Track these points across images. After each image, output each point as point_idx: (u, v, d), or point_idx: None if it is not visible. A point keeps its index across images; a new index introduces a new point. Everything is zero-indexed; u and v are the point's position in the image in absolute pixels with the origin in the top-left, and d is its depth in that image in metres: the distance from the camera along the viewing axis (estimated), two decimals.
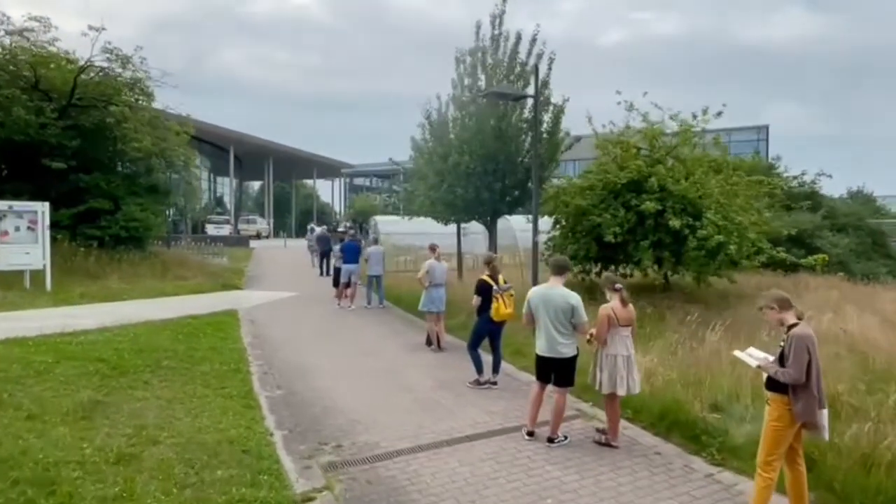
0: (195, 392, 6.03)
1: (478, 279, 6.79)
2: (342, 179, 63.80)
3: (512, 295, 6.80)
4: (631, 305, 5.07)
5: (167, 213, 31.59)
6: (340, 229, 34.77)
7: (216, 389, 6.18)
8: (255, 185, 77.45)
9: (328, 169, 57.67)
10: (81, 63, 15.00)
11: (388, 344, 9.14)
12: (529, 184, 10.92)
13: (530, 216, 16.03)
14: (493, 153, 10.19)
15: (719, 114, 11.44)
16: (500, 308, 6.59)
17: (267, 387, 6.58)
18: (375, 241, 12.82)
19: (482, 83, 10.99)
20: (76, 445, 4.45)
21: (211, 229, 38.49)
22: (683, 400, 5.68)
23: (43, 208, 12.41)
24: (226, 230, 39.53)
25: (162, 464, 4.25)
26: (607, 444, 5.10)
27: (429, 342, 8.82)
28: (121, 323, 9.09)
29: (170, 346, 7.92)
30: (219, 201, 55.03)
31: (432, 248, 8.74)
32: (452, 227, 25.45)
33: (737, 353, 4.20)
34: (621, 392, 4.97)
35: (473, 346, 6.86)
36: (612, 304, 5.01)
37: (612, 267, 13.18)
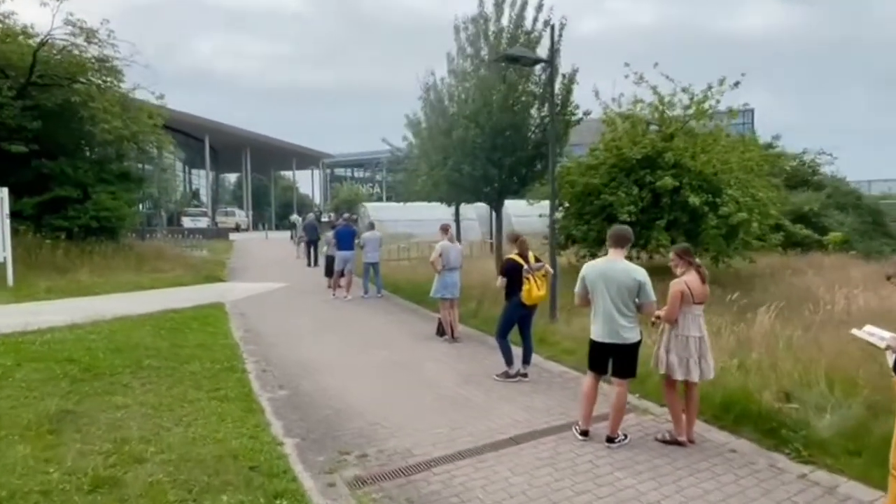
0: (185, 396, 5.15)
1: (505, 259, 6.01)
2: (322, 170, 62.21)
3: (545, 275, 6.04)
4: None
5: (141, 204, 30.14)
6: (325, 220, 33.68)
7: (209, 392, 5.30)
8: (232, 177, 75.25)
9: (307, 159, 56.02)
10: (41, 37, 13.66)
11: (396, 335, 8.32)
12: (537, 163, 10.17)
13: (528, 200, 15.37)
14: (500, 126, 9.39)
15: (737, 84, 10.81)
16: (532, 290, 5.83)
17: (268, 387, 5.73)
18: (372, 226, 11.94)
19: (485, 53, 10.16)
20: (40, 469, 3.56)
21: (187, 222, 36.86)
22: (749, 388, 5.01)
23: (1, 194, 11.21)
24: (203, 223, 37.97)
25: (150, 489, 3.39)
26: (673, 442, 4.39)
27: (440, 332, 8.03)
28: (93, 319, 8.09)
29: (151, 343, 6.98)
30: (195, 194, 53.07)
31: (445, 229, 7.91)
32: (446, 213, 24.73)
33: (854, 331, 3.50)
34: (694, 377, 4.27)
35: (502, 335, 6.09)
36: (687, 279, 4.28)
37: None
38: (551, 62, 8.20)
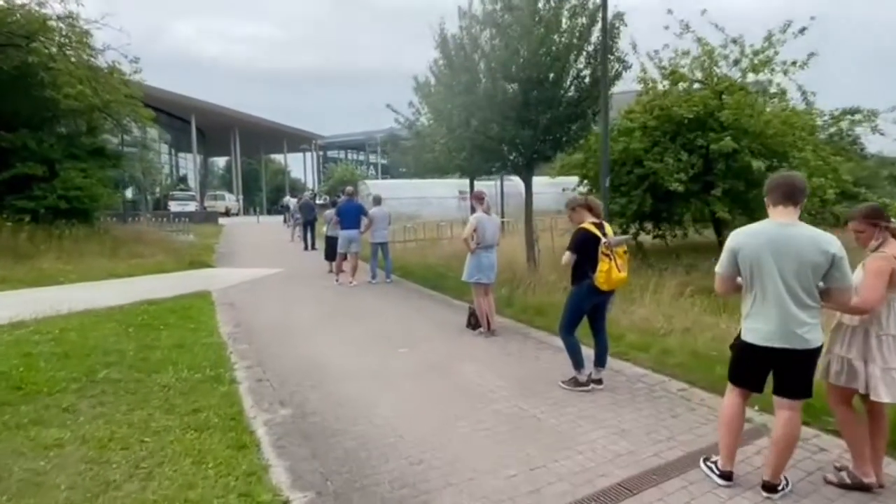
0: (149, 423, 3.71)
1: (577, 229, 4.56)
2: (315, 152, 60.11)
3: (626, 251, 4.59)
4: None
5: (126, 188, 28.31)
6: (319, 201, 31.91)
7: (185, 416, 3.86)
8: (221, 162, 73.02)
9: (299, 141, 53.96)
10: None
11: (419, 327, 6.88)
12: (573, 124, 8.67)
13: (547, 177, 13.84)
14: (535, 76, 7.87)
15: (803, 30, 9.31)
16: (612, 271, 4.39)
17: (265, 404, 4.29)
18: (378, 201, 10.41)
19: None
20: None
21: (174, 206, 34.96)
22: None
23: None
24: (191, 207, 36.10)
25: None
26: (858, 486, 3.02)
27: (472, 323, 6.61)
28: (46, 314, 6.59)
29: (114, 344, 5.50)
30: (182, 179, 50.98)
31: (479, 198, 6.42)
32: (451, 190, 23.16)
33: None
34: (886, 396, 2.87)
35: (568, 329, 4.67)
36: (893, 252, 2.86)
37: (653, 228, 11.15)
38: None
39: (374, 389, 4.62)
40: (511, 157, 9.10)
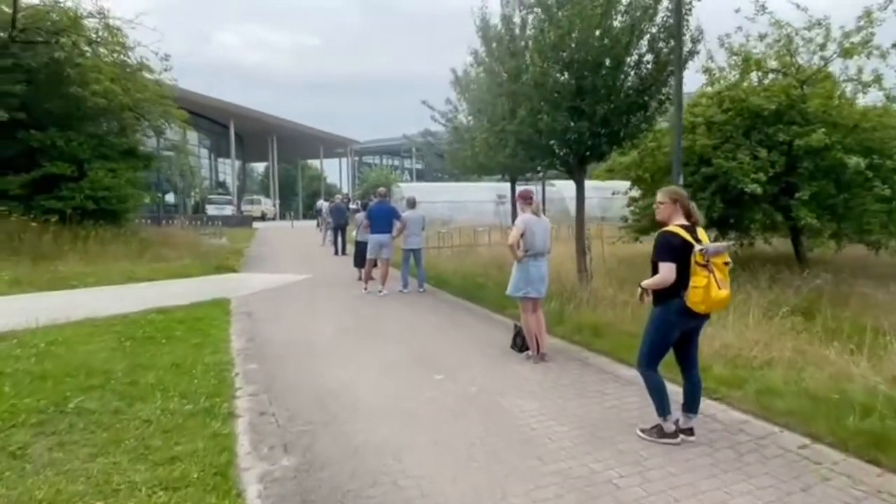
0: (111, 478, 2.87)
1: (661, 233, 3.52)
2: (350, 158, 60.24)
3: (728, 262, 3.52)
4: None
5: (158, 188, 28.48)
6: (353, 206, 31.45)
7: (159, 466, 3.02)
8: (260, 168, 74.18)
9: (335, 146, 54.09)
10: None
11: (456, 346, 5.92)
12: (633, 116, 7.58)
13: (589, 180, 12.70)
14: (591, 62, 6.84)
15: None
16: (712, 288, 3.32)
17: (264, 448, 3.42)
18: (413, 204, 9.53)
19: None
20: None
21: (212, 209, 35.27)
22: None
23: None
24: (228, 210, 36.35)
25: None
26: None
27: (519, 344, 5.61)
28: (43, 323, 5.94)
29: (102, 362, 4.75)
30: (221, 184, 51.78)
31: (526, 197, 5.42)
32: (488, 194, 22.15)
33: None
34: None
35: (651, 363, 3.62)
36: None
37: (719, 236, 9.88)
38: None
39: (403, 431, 3.68)
40: (560, 154, 8.06)
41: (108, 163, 13.27)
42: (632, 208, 11.10)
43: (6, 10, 11.78)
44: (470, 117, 10.55)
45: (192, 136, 45.40)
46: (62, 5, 12.28)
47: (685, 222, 3.51)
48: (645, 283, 3.58)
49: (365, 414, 3.99)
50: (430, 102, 10.80)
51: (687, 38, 6.99)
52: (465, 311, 7.98)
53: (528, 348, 5.46)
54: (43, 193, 12.47)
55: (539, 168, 8.84)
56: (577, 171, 8.06)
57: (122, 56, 12.99)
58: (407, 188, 18.25)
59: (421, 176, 54.48)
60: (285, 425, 3.80)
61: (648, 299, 3.61)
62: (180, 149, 23.93)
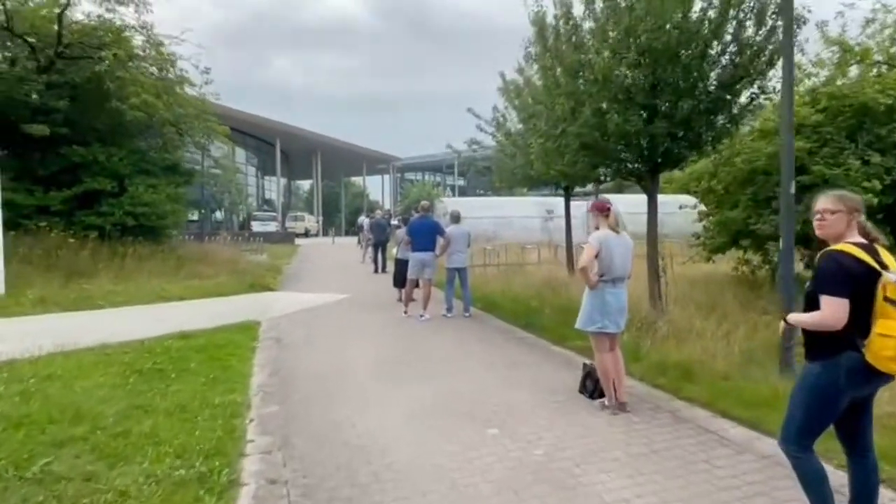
0: None
1: (824, 253, 2.47)
2: (392, 174, 60.36)
3: None
4: None
5: (204, 205, 28.86)
6: (394, 222, 30.93)
7: None
8: (305, 185, 75.55)
9: (377, 162, 54.33)
10: None
11: (510, 388, 4.92)
12: (720, 116, 6.48)
13: (643, 195, 11.54)
14: (669, 51, 5.82)
15: None
16: None
17: None
18: (457, 219, 8.67)
19: None
20: None
21: (256, 226, 35.67)
22: None
23: None
24: (272, 227, 36.65)
25: None
26: None
27: (589, 389, 4.58)
28: (46, 350, 5.34)
29: (98, 402, 4.04)
30: (267, 201, 52.77)
31: (602, 209, 4.45)
32: (534, 209, 21.02)
33: None
34: None
35: (802, 440, 2.52)
36: None
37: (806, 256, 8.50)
38: None
39: None
40: (626, 163, 7.02)
41: (148, 178, 13.08)
42: (703, 223, 9.85)
43: (55, 28, 11.80)
44: (520, 125, 9.63)
45: (241, 154, 46.80)
46: (108, 21, 12.21)
47: (862, 240, 2.46)
48: (796, 318, 2.54)
49: (403, 486, 3.07)
50: (475, 111, 9.92)
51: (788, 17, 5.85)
52: (519, 342, 6.98)
53: (602, 395, 4.42)
54: (84, 209, 12.33)
55: (603, 177, 7.77)
56: (648, 180, 6.98)
57: (164, 71, 12.84)
58: (451, 202, 17.42)
59: (463, 192, 53.86)
60: (299, 501, 2.92)
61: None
62: (226, 166, 24.13)
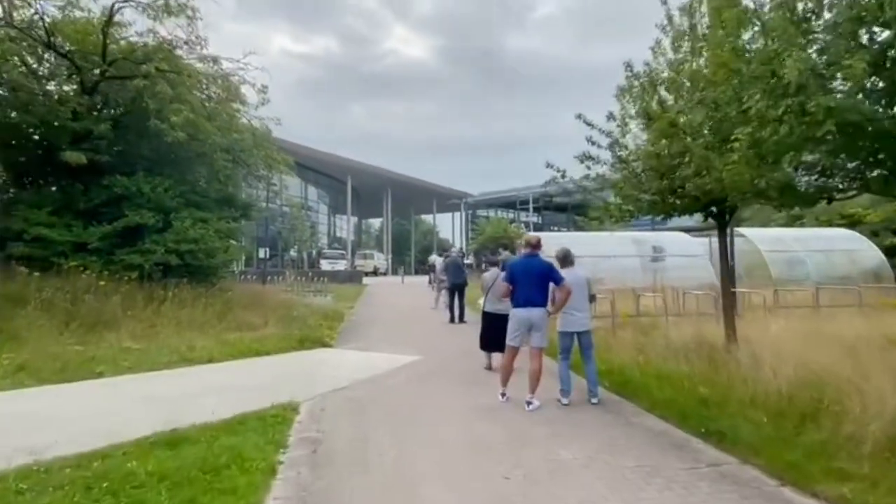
0: None
1: None
2: (463, 211, 58.56)
3: None
4: None
5: (268, 246, 27.93)
6: (467, 261, 28.54)
7: None
8: (376, 223, 75.61)
9: (448, 199, 52.81)
10: (108, 9, 10.14)
11: None
12: None
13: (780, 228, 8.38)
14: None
15: None
16: None
17: None
18: (568, 260, 6.06)
19: None
20: None
21: (325, 264, 34.74)
22: None
23: None
24: (341, 265, 35.54)
25: None
26: None
27: None
28: None
29: None
30: (338, 239, 52.53)
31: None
32: (633, 247, 17.82)
33: None
34: None
35: None
36: None
37: None
38: None
39: None
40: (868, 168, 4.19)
41: (197, 211, 11.52)
42: None
43: (99, 43, 10.61)
44: (643, 136, 7.03)
45: (312, 192, 46.95)
46: (157, 35, 10.97)
47: None
48: None
49: None
50: (586, 118, 7.38)
51: None
52: (697, 463, 4.13)
53: None
54: (125, 247, 10.85)
55: (842, 187, 4.85)
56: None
57: (217, 93, 11.42)
58: (554, 238, 14.76)
59: (539, 229, 50.98)
60: None
61: None
62: (293, 202, 22.97)
